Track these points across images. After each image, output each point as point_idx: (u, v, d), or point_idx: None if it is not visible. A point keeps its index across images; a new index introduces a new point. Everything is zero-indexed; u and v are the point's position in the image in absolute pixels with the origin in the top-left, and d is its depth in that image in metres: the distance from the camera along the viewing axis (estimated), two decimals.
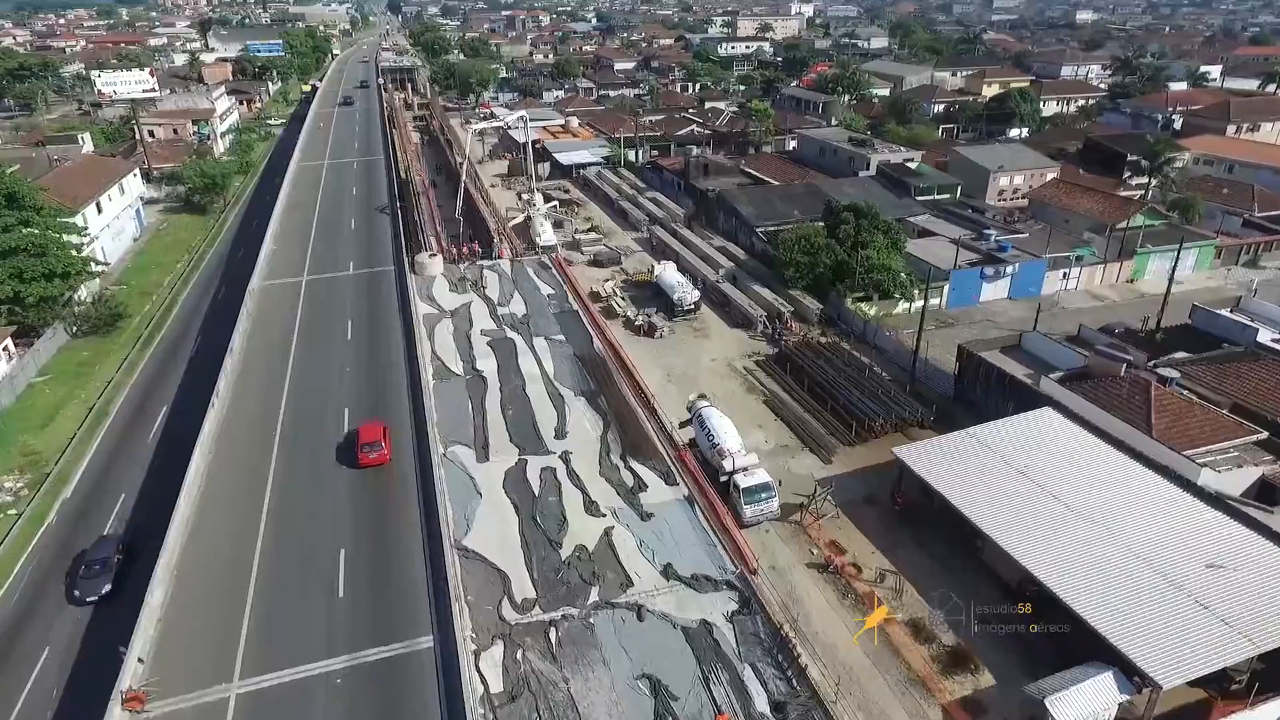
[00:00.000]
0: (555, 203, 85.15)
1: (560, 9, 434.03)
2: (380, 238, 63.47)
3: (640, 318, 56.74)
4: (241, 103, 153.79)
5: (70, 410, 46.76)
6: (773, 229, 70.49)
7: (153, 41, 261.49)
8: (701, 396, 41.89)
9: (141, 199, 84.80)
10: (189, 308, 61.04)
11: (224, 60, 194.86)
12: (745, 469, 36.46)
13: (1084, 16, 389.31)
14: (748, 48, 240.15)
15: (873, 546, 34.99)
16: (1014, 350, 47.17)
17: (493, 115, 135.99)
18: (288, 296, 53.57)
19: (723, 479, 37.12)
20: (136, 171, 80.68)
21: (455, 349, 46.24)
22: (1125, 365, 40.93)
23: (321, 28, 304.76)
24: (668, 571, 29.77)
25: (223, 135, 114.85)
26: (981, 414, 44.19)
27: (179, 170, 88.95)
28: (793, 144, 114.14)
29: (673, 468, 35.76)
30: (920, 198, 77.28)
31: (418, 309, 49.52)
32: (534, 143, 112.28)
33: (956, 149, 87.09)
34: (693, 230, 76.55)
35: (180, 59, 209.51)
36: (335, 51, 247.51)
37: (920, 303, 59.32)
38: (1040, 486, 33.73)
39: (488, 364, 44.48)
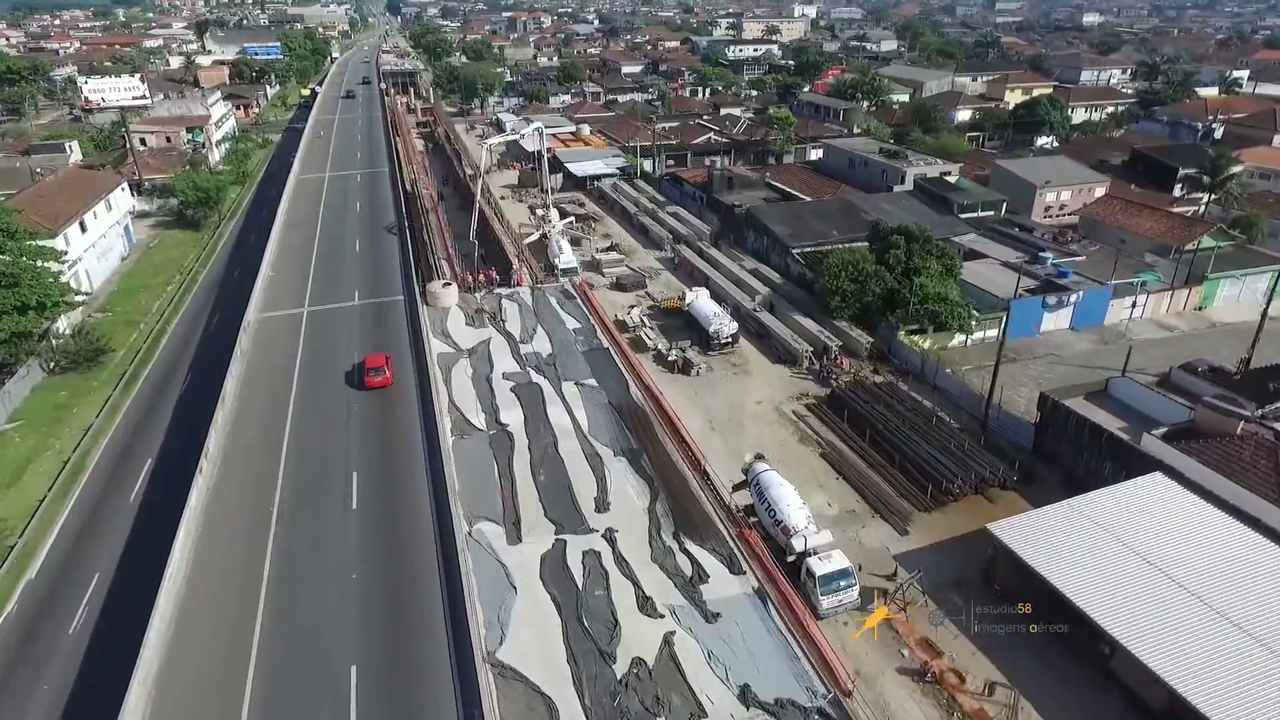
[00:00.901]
0: (572, 218, 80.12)
1: (561, 10, 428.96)
2: (388, 262, 58.35)
3: (674, 352, 51.71)
4: (238, 107, 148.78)
5: (42, 464, 41.65)
6: (809, 250, 65.59)
7: (148, 43, 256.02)
8: (759, 458, 36.89)
9: (131, 213, 79.70)
10: (179, 338, 55.90)
11: (221, 63, 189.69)
12: (818, 552, 31.44)
13: (1091, 19, 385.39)
14: (755, 50, 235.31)
15: (972, 646, 29.95)
16: (1100, 397, 42.20)
17: (497, 122, 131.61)
18: (287, 331, 48.47)
19: (790, 559, 32.16)
20: (125, 185, 75.51)
21: (475, 396, 41.13)
22: (1241, 421, 35.98)
23: (320, 29, 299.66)
24: (746, 696, 24.72)
25: (218, 143, 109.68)
26: (1069, 473, 39.43)
27: (171, 183, 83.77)
28: (814, 153, 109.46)
29: (736, 551, 30.69)
30: (963, 215, 72.29)
31: (432, 348, 44.41)
32: (546, 152, 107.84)
33: (998, 162, 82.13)
34: (720, 249, 71.58)
35: (176, 62, 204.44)
36: (334, 54, 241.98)
37: (978, 335, 54.75)
38: (1173, 580, 28.70)
39: (513, 415, 39.39)
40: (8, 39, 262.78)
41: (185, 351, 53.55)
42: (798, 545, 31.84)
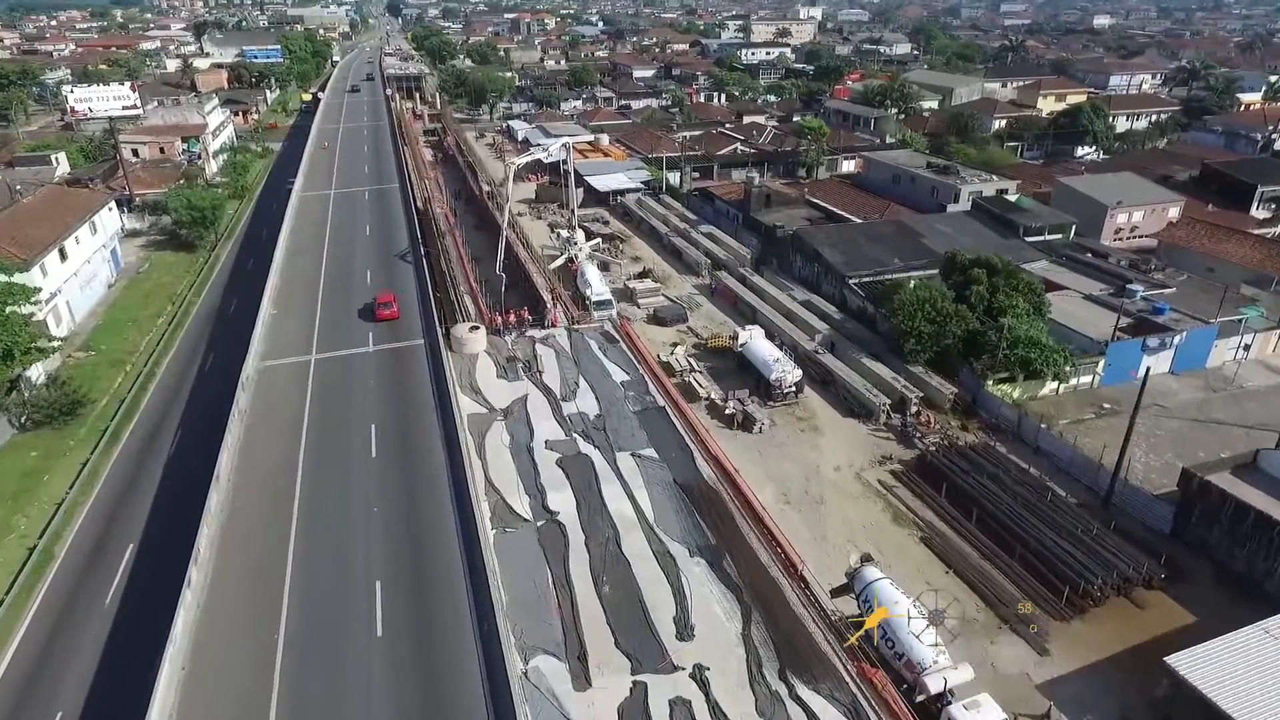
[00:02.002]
0: (599, 240, 73.93)
1: (563, 11, 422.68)
2: (405, 298, 51.88)
3: (731, 404, 45.38)
4: (236, 113, 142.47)
5: (2, 551, 35.29)
6: (868, 280, 59.39)
7: (145, 45, 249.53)
8: (866, 560, 30.57)
9: (120, 232, 73.41)
10: (168, 385, 49.50)
11: (219, 66, 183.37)
12: (962, 700, 25.15)
13: (1102, 21, 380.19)
14: (768, 54, 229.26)
15: None
16: (1251, 471, 35.90)
17: (507, 129, 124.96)
18: (292, 384, 42.11)
19: (919, 699, 25.90)
20: (112, 205, 69.15)
21: (516, 473, 34.82)
22: None
23: (321, 31, 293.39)
24: None
25: (215, 154, 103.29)
26: (1223, 568, 33.23)
27: (164, 200, 77.43)
28: (846, 165, 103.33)
29: (859, 696, 24.41)
30: (1029, 239, 66.06)
31: (461, 410, 38.07)
32: (562, 164, 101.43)
33: (1062, 179, 75.79)
34: (763, 276, 65.29)
35: (172, 65, 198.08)
36: (335, 58, 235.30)
37: (1072, 382, 48.50)
38: None
39: (563, 499, 33.10)
40: (2, 41, 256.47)
41: (175, 402, 47.16)
42: (933, 686, 25.57)
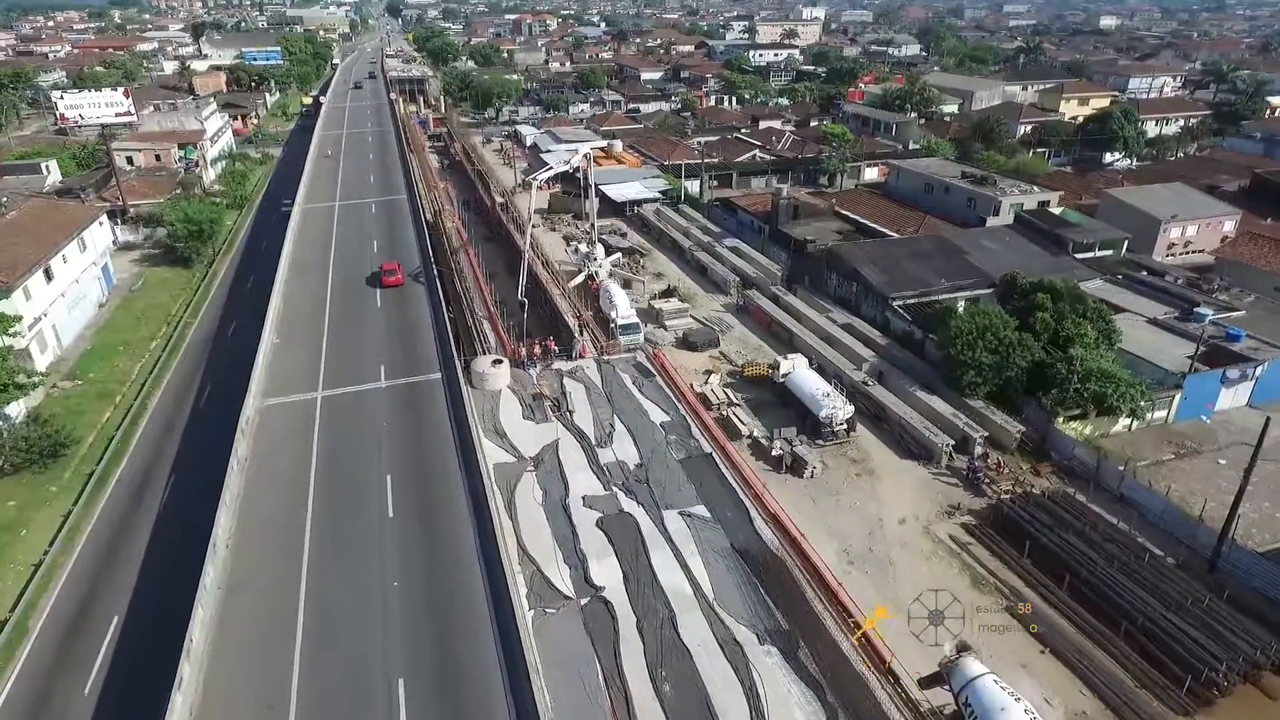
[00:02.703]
0: (619, 254, 69.88)
1: (563, 12, 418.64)
2: (419, 324, 47.83)
3: (778, 445, 41.33)
4: (235, 118, 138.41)
5: None
6: (913, 301, 55.43)
7: (142, 46, 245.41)
8: (964, 650, 26.41)
9: (112, 248, 69.33)
10: (161, 420, 45.44)
11: (217, 69, 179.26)
12: None
13: (1108, 22, 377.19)
14: (776, 55, 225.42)
15: None
16: None
17: (515, 134, 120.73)
18: (297, 428, 38.05)
19: None
20: (103, 219, 65.04)
21: (552, 537, 30.82)
22: None
23: (321, 32, 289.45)
24: None
25: (213, 161, 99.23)
26: None
27: (159, 212, 73.42)
28: (868, 173, 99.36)
29: None
30: (1079, 255, 62.09)
31: (487, 460, 34.02)
32: (575, 172, 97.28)
33: (1110, 190, 71.81)
34: (797, 295, 61.29)
35: (170, 67, 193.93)
36: (335, 60, 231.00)
37: (1147, 417, 44.49)
38: None
39: (607, 571, 29.10)
40: None
41: (168, 441, 43.07)
42: None
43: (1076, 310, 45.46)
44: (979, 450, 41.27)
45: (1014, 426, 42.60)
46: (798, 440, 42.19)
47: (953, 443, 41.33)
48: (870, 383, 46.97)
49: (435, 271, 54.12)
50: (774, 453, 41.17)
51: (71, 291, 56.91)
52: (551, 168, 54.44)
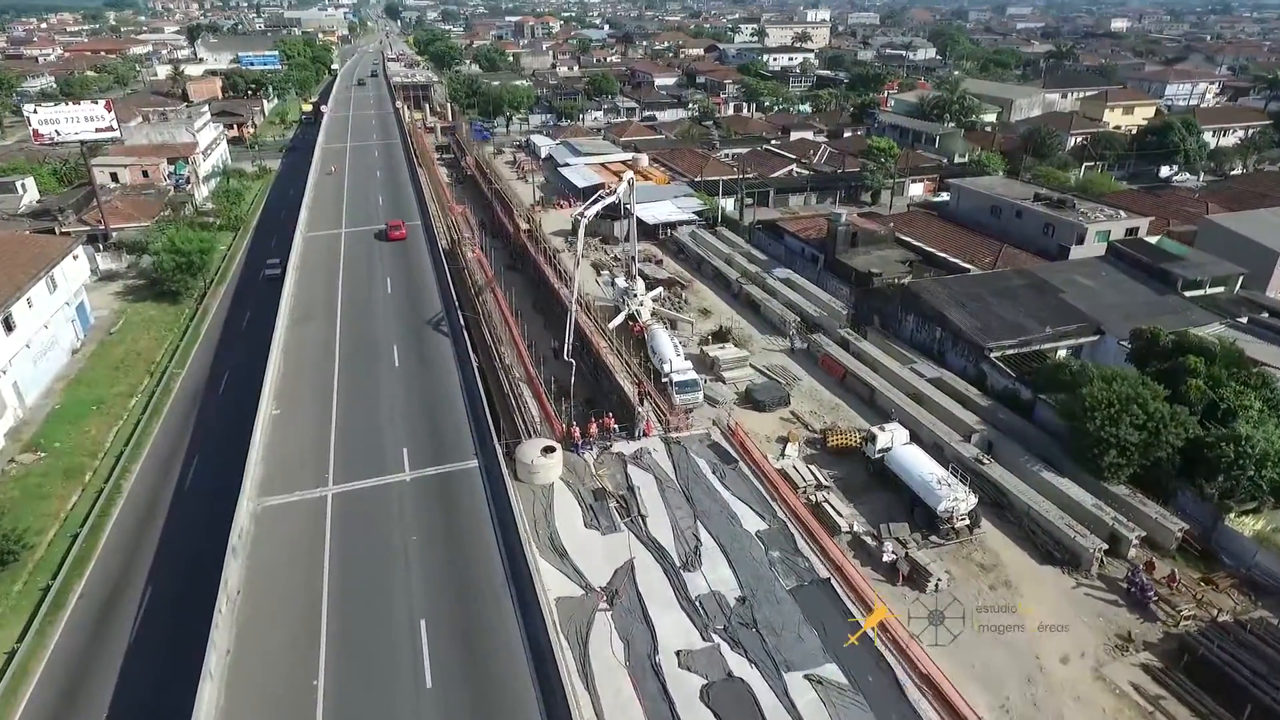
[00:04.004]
0: (660, 290, 62.36)
1: (564, 14, 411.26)
2: (446, 390, 39.95)
3: (889, 547, 33.79)
4: (230, 126, 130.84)
5: None
6: (1011, 352, 47.96)
7: (136, 49, 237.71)
8: None
9: (91, 280, 61.86)
10: (136, 514, 37.62)
11: (212, 73, 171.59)
12: None
13: (1119, 24, 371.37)
14: (790, 59, 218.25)
15: None
16: None
17: (528, 144, 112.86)
18: (303, 540, 30.42)
19: None
20: (78, 252, 57.39)
21: (642, 712, 23.16)
22: None
23: (320, 35, 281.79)
24: None
25: (206, 178, 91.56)
26: None
27: (143, 240, 65.84)
28: (913, 189, 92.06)
29: None
30: (1187, 293, 54.63)
31: (547, 596, 26.41)
32: (599, 189, 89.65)
33: (1211, 218, 64.35)
34: (868, 339, 53.80)
35: (163, 71, 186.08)
36: (335, 65, 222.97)
37: None
38: None
39: None
40: None
41: (144, 541, 35.39)
42: None
43: (1237, 376, 38.03)
44: (1136, 553, 33.78)
45: (1173, 523, 35.06)
46: (911, 540, 34.71)
47: (1105, 546, 33.78)
48: (985, 460, 39.40)
49: (461, 320, 46.45)
50: (886, 557, 33.62)
51: (38, 340, 49.30)
52: (600, 198, 46.70)
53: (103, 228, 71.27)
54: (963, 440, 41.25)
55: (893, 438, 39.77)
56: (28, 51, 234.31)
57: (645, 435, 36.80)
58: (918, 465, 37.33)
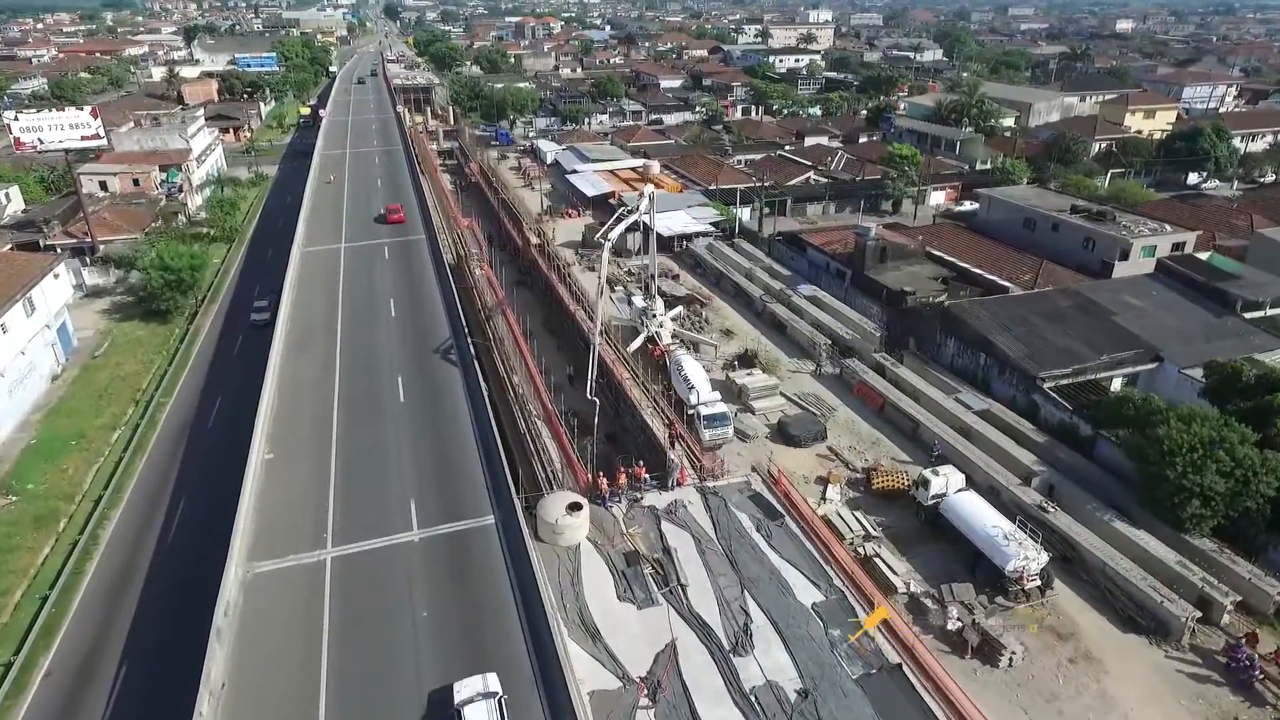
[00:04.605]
0: (680, 310, 58.68)
1: (564, 14, 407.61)
2: (458, 433, 36.21)
3: (954, 615, 30.20)
4: (226, 130, 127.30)
5: None
6: (1065, 382, 44.36)
7: (132, 50, 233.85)
8: None
9: (75, 296, 58.26)
10: (114, 569, 34.05)
11: (209, 75, 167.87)
12: None
13: (1124, 26, 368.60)
14: (797, 60, 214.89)
15: None
16: None
17: (534, 150, 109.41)
18: (299, 614, 26.76)
19: None
20: (59, 270, 53.73)
21: None
22: None
23: (319, 36, 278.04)
24: None
25: (200, 186, 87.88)
26: None
27: (132, 254, 62.20)
28: (934, 198, 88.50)
29: None
30: (1246, 314, 51.10)
31: (580, 691, 22.78)
32: (609, 197, 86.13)
33: (1263, 233, 60.78)
34: (906, 365, 50.22)
35: (159, 73, 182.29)
36: (333, 67, 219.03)
37: None
38: None
39: None
40: None
41: (121, 602, 31.77)
42: None
43: None
44: (1231, 620, 30.18)
45: (1270, 585, 31.46)
46: (976, 603, 31.11)
47: (1198, 614, 30.17)
48: (1050, 508, 35.79)
49: (471, 348, 42.78)
50: (950, 624, 30.03)
51: (14, 367, 45.66)
52: (622, 217, 43.05)
53: (89, 240, 67.70)
54: (1021, 484, 37.64)
55: (947, 482, 36.18)
56: (21, 52, 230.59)
57: (679, 484, 33.14)
58: (979, 516, 33.71)
